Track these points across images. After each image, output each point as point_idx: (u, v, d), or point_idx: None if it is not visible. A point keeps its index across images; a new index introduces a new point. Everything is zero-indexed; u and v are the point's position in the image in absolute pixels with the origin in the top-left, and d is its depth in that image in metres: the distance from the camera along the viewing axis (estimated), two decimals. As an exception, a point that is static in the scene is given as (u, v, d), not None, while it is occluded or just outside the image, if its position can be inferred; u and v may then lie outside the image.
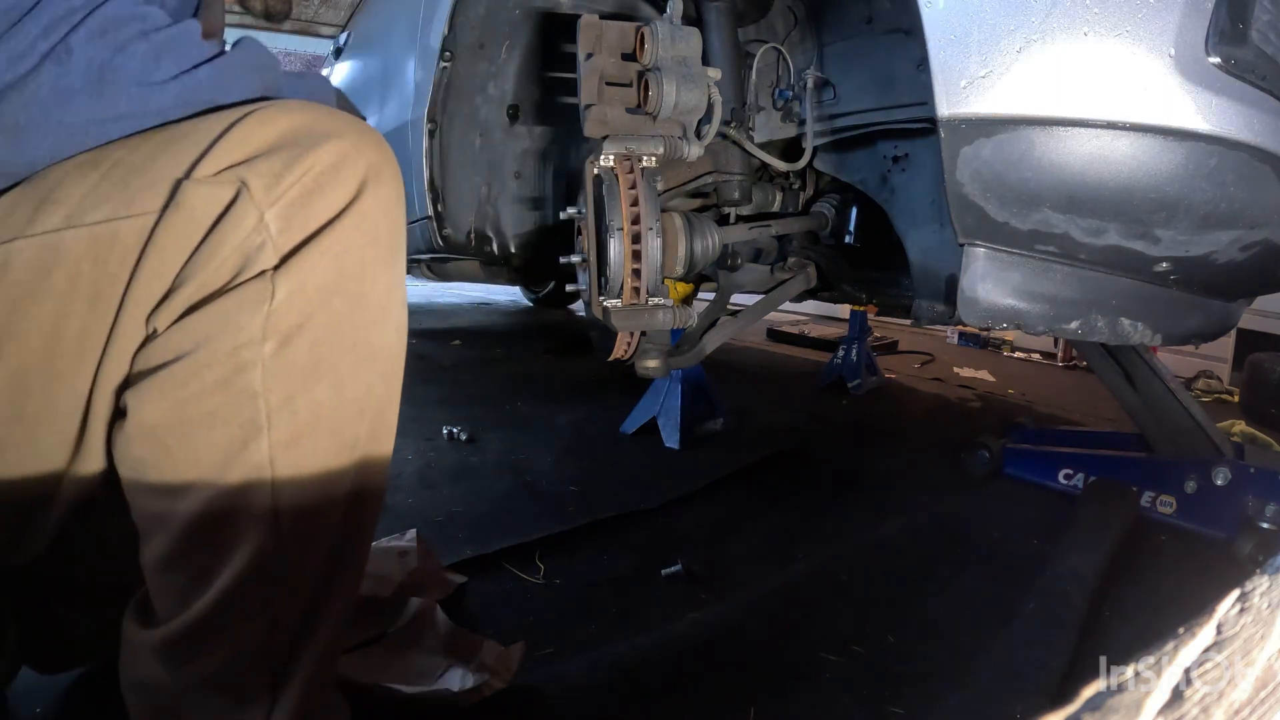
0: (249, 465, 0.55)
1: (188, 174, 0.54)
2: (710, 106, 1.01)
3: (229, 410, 0.54)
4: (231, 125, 0.56)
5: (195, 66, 0.57)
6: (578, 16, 1.01)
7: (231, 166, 0.55)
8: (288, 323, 0.55)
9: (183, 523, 0.55)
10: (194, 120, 0.57)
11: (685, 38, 0.98)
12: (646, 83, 0.98)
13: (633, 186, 0.98)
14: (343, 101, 0.79)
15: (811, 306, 4.60)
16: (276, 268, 0.55)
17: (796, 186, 1.45)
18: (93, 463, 0.57)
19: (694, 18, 1.28)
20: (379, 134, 0.62)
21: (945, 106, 0.86)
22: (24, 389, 0.54)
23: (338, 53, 2.72)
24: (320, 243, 0.56)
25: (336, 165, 0.57)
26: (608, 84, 1.00)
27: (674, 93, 0.95)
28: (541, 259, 1.79)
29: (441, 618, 0.91)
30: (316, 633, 0.59)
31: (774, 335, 3.97)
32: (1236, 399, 3.21)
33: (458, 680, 0.80)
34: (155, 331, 0.54)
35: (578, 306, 4.33)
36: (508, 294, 4.95)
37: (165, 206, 0.54)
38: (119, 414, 0.56)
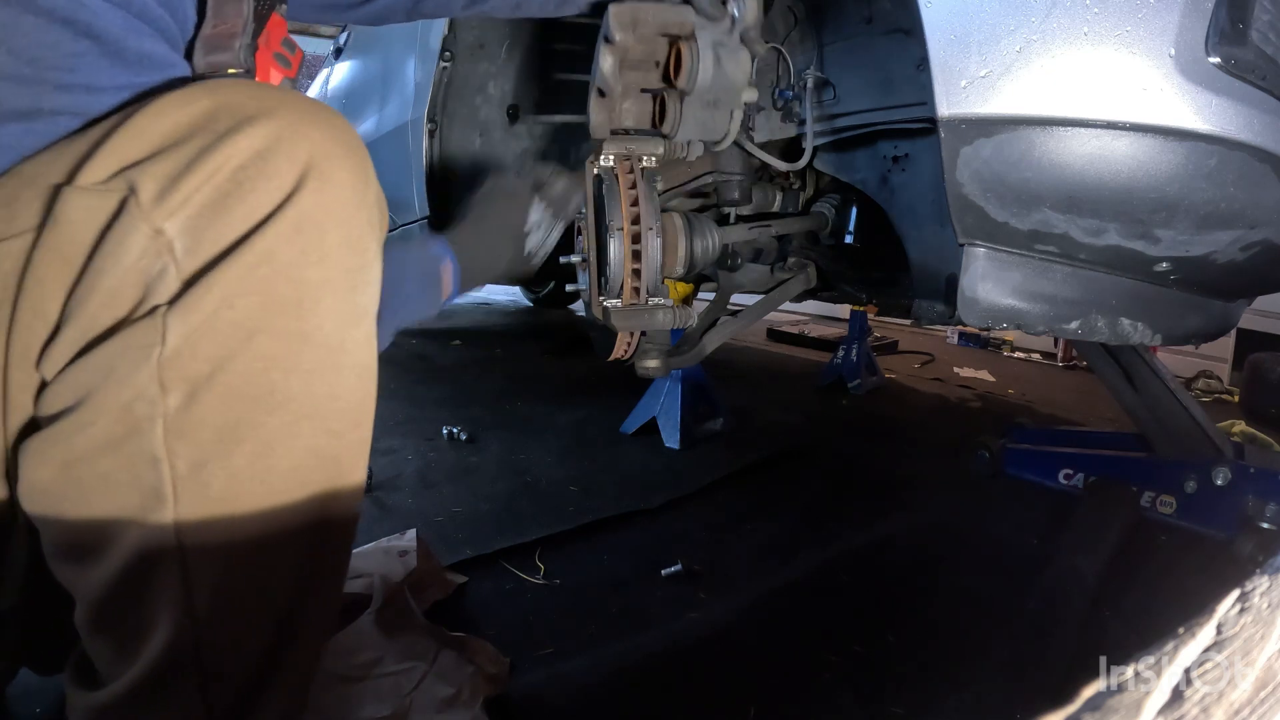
0: (151, 541, 0.45)
1: (70, 179, 0.43)
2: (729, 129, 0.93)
3: (126, 475, 0.44)
4: (131, 114, 0.44)
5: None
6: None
7: (123, 169, 0.43)
8: (193, 371, 0.44)
9: (92, 595, 0.47)
10: (113, 116, 0.46)
11: (730, 71, 0.81)
12: (664, 100, 0.88)
13: (633, 186, 0.98)
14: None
15: (811, 306, 4.59)
16: (172, 301, 0.43)
17: (796, 186, 1.45)
18: None
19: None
20: (334, 113, 0.49)
21: (945, 107, 0.86)
22: None
23: (338, 53, 2.72)
24: (235, 263, 0.43)
25: (263, 155, 0.44)
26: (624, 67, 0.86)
27: (694, 126, 0.85)
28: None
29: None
30: (265, 703, 0.51)
31: (774, 335, 3.97)
32: (1236, 399, 3.21)
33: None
34: (44, 380, 0.45)
35: (578, 306, 4.33)
36: (508, 294, 4.95)
37: (43, 223, 0.43)
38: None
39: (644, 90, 0.87)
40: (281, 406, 0.46)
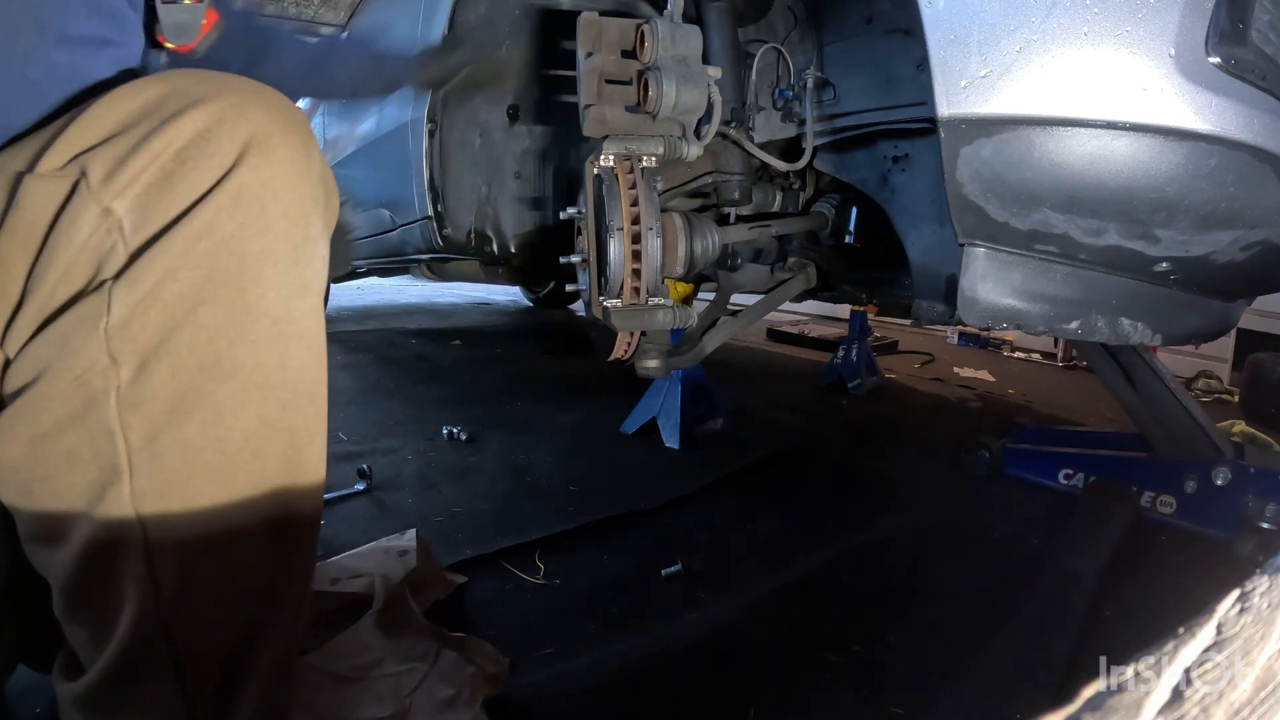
0: (111, 516, 0.45)
1: (30, 167, 0.46)
2: (710, 106, 1.00)
3: (87, 450, 0.45)
4: (85, 107, 0.47)
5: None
6: (577, 15, 1.01)
7: (77, 155, 0.46)
8: (142, 343, 0.45)
9: (62, 577, 0.47)
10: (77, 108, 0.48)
11: (685, 37, 0.97)
12: (646, 81, 0.98)
13: (633, 186, 0.98)
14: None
15: (811, 306, 4.59)
16: (118, 275, 0.45)
17: (796, 186, 1.45)
18: None
19: (694, 17, 1.28)
20: (276, 95, 0.50)
21: (945, 106, 0.86)
22: None
23: (338, 53, 2.71)
24: (177, 237, 0.45)
25: (205, 135, 0.46)
26: (607, 81, 1.00)
27: (674, 93, 0.95)
28: (541, 259, 1.79)
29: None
30: (245, 690, 0.50)
31: (774, 335, 3.97)
32: (1236, 399, 3.21)
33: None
34: (8, 359, 0.46)
35: (578, 306, 4.33)
36: (508, 294, 4.95)
37: (6, 209, 0.46)
38: None
39: (621, 83, 1.01)
40: (229, 376, 0.47)
